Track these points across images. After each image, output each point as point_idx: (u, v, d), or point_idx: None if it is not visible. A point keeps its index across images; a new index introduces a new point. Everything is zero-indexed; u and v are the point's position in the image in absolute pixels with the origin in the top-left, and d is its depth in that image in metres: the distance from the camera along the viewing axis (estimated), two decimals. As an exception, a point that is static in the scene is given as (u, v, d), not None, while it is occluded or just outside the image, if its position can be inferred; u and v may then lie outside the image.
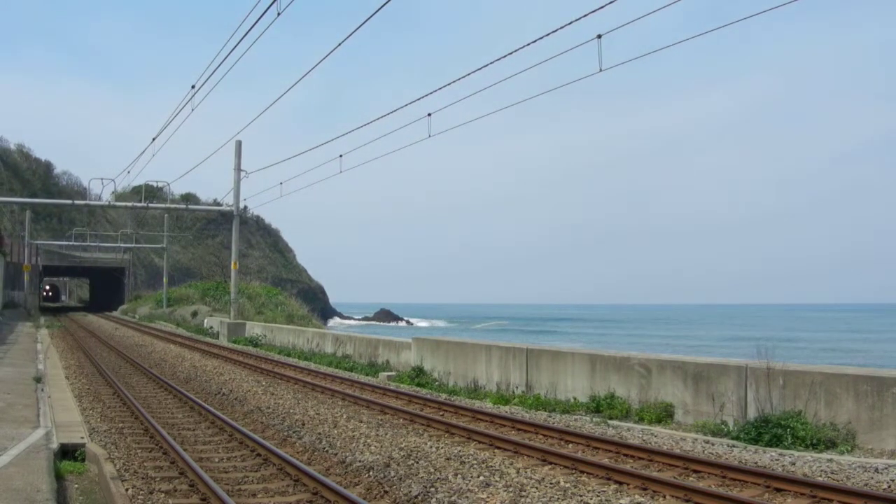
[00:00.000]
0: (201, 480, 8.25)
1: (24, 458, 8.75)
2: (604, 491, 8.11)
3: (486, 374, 17.06)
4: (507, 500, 7.77)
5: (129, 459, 9.76)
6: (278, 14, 14.35)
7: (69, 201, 58.16)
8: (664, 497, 7.88)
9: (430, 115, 18.30)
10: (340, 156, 25.55)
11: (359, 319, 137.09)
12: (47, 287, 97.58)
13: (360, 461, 9.59)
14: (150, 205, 42.24)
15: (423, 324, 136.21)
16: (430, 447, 10.41)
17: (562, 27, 12.62)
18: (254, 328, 34.91)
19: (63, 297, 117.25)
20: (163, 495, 8.12)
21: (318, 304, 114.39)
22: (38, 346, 26.98)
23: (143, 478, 8.81)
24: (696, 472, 8.91)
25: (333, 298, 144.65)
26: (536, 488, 8.20)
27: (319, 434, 11.51)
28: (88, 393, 16.04)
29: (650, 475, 8.46)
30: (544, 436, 11.33)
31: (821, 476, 8.58)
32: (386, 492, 8.26)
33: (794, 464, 9.26)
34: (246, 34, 16.16)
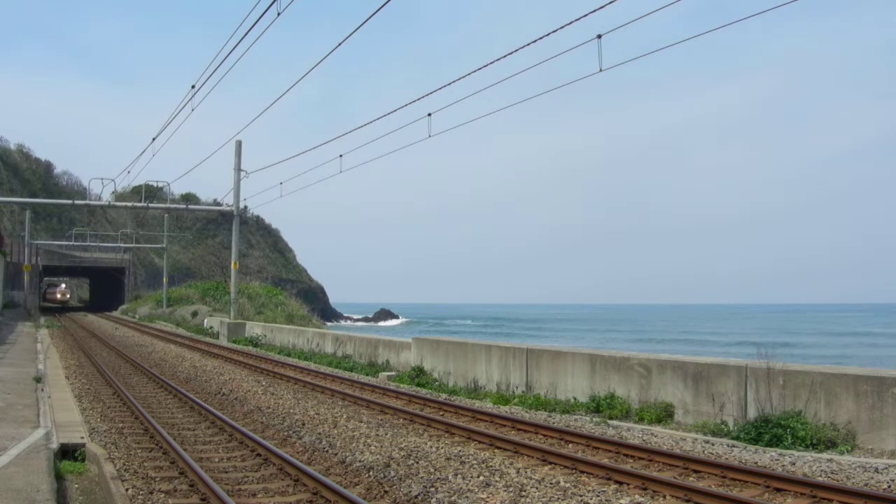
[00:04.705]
0: (201, 480, 8.25)
1: (24, 458, 8.75)
2: (604, 491, 8.11)
3: (486, 374, 17.06)
4: (507, 500, 7.78)
5: (129, 459, 9.76)
6: (278, 14, 14.35)
7: (69, 201, 58.23)
8: (664, 497, 7.89)
9: (430, 115, 18.31)
10: (340, 156, 25.58)
11: (356, 320, 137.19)
12: (63, 285, 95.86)
13: (360, 461, 9.59)
14: (150, 205, 42.24)
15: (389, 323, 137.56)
16: (430, 447, 10.41)
17: (562, 27, 12.63)
18: (254, 328, 34.91)
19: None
20: (163, 495, 8.12)
21: (318, 304, 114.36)
22: (38, 346, 26.99)
23: (143, 478, 8.81)
24: (696, 472, 8.91)
25: (333, 298, 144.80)
26: (536, 488, 8.20)
27: (319, 434, 11.51)
28: (88, 393, 16.04)
29: (650, 475, 8.46)
30: (544, 436, 11.33)
31: (821, 476, 8.59)
32: (386, 492, 8.26)
33: (794, 464, 9.26)
34: (246, 34, 16.16)
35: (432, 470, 9.01)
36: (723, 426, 11.43)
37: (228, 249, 58.66)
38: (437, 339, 19.99)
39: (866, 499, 7.46)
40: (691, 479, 8.69)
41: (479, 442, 10.91)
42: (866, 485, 8.17)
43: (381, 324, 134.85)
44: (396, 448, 10.30)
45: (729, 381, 11.83)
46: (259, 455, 10.06)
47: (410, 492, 8.09)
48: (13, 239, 68.93)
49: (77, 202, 50.22)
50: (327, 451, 10.34)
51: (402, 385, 18.00)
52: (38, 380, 16.41)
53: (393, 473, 8.88)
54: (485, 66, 14.46)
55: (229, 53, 17.81)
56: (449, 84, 15.77)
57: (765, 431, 10.57)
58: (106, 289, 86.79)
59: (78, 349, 27.76)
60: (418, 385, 18.00)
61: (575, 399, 14.23)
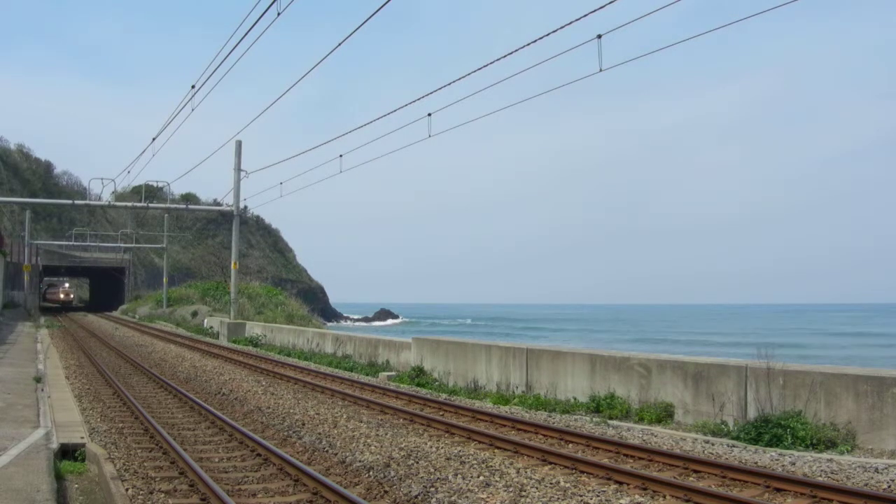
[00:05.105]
0: (201, 480, 8.25)
1: (24, 458, 8.76)
2: (604, 491, 8.11)
3: (486, 374, 17.06)
4: (507, 500, 7.78)
5: (129, 459, 9.76)
6: (278, 14, 14.35)
7: (69, 201, 58.26)
8: (664, 497, 7.89)
9: (430, 115, 18.31)
10: (340, 156, 25.59)
11: (355, 320, 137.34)
12: (66, 285, 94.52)
13: (360, 461, 9.59)
14: (150, 205, 42.24)
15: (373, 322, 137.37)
16: (430, 447, 10.41)
17: (562, 27, 12.63)
18: (254, 328, 34.91)
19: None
20: (163, 495, 8.12)
21: (318, 304, 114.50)
22: (38, 346, 26.99)
23: (143, 478, 8.81)
24: (696, 472, 8.91)
25: (333, 298, 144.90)
26: (536, 488, 8.20)
27: (319, 434, 11.51)
28: (88, 393, 16.04)
29: (650, 475, 8.46)
30: (544, 436, 11.34)
31: (821, 476, 8.59)
32: (386, 492, 8.26)
33: (794, 464, 9.27)
34: (246, 34, 16.16)
35: (432, 470, 9.01)
36: (723, 426, 11.44)
37: (228, 249, 58.67)
38: (437, 339, 20.00)
39: (866, 499, 7.46)
40: (691, 479, 8.69)
41: (479, 442, 10.91)
42: (866, 485, 8.17)
43: (376, 323, 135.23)
44: (396, 448, 10.30)
45: (729, 381, 11.83)
46: (259, 455, 10.07)
47: (410, 492, 8.09)
48: (13, 239, 68.93)
49: (77, 202, 50.23)
50: (327, 451, 10.34)
51: (402, 385, 18.00)
52: (38, 380, 16.41)
53: (393, 473, 8.88)
54: (485, 66, 14.48)
55: (229, 53, 17.83)
56: (449, 84, 15.79)
57: (765, 431, 10.57)
58: (106, 289, 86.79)
59: (78, 349, 27.75)
60: (418, 385, 18.00)
61: (575, 399, 14.23)
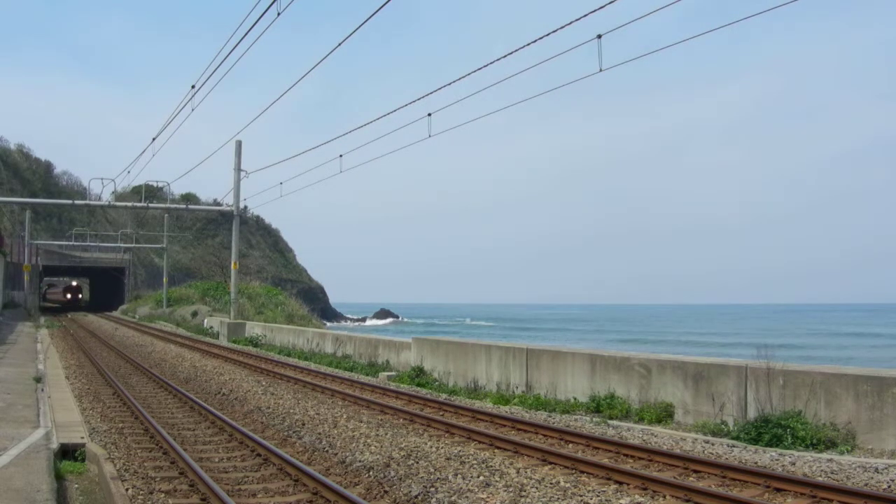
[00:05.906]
0: (201, 480, 8.25)
1: (24, 458, 8.75)
2: (604, 491, 8.11)
3: (486, 374, 17.06)
4: (507, 500, 7.78)
5: (129, 459, 9.77)
6: (278, 14, 14.35)
7: (69, 201, 58.31)
8: (664, 497, 7.89)
9: (430, 115, 18.31)
10: (340, 156, 25.58)
11: (354, 320, 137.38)
12: (74, 283, 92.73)
13: (360, 461, 9.59)
14: (150, 205, 42.24)
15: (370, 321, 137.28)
16: (430, 447, 10.41)
17: (562, 27, 12.63)
18: (254, 328, 34.91)
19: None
20: (163, 495, 8.12)
21: (318, 304, 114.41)
22: (38, 346, 26.99)
23: (143, 478, 8.81)
24: (696, 472, 8.91)
25: (333, 298, 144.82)
26: (536, 488, 8.20)
27: (319, 434, 11.51)
28: (88, 393, 16.04)
29: (650, 475, 8.46)
30: (544, 436, 11.34)
31: (821, 476, 8.59)
32: (386, 492, 8.26)
33: (794, 464, 9.27)
34: (246, 34, 16.16)
35: (432, 470, 9.01)
36: (723, 426, 11.44)
37: (228, 249, 58.65)
38: (437, 339, 19.99)
39: (866, 499, 7.47)
40: (691, 479, 8.69)
41: (479, 442, 10.92)
42: (866, 485, 8.17)
43: (376, 323, 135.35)
44: (396, 448, 10.30)
45: (729, 381, 11.83)
46: (259, 455, 10.07)
47: (410, 492, 8.09)
48: (13, 239, 68.91)
49: (77, 202, 50.22)
50: (327, 451, 10.35)
51: (402, 385, 18.00)
52: (38, 380, 16.41)
53: (393, 473, 8.88)
54: (485, 67, 14.48)
55: (229, 53, 17.83)
56: (449, 84, 15.79)
57: (765, 431, 10.57)
58: (106, 289, 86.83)
59: (78, 349, 27.76)
60: (418, 385, 18.01)
61: (575, 399, 14.23)
